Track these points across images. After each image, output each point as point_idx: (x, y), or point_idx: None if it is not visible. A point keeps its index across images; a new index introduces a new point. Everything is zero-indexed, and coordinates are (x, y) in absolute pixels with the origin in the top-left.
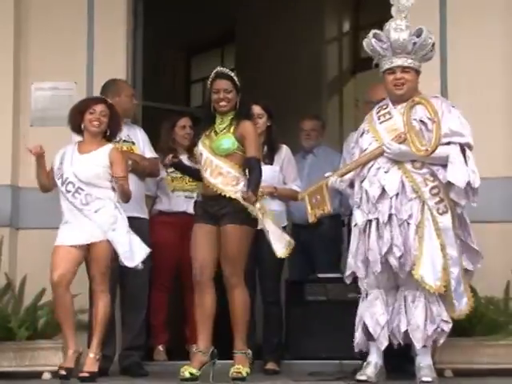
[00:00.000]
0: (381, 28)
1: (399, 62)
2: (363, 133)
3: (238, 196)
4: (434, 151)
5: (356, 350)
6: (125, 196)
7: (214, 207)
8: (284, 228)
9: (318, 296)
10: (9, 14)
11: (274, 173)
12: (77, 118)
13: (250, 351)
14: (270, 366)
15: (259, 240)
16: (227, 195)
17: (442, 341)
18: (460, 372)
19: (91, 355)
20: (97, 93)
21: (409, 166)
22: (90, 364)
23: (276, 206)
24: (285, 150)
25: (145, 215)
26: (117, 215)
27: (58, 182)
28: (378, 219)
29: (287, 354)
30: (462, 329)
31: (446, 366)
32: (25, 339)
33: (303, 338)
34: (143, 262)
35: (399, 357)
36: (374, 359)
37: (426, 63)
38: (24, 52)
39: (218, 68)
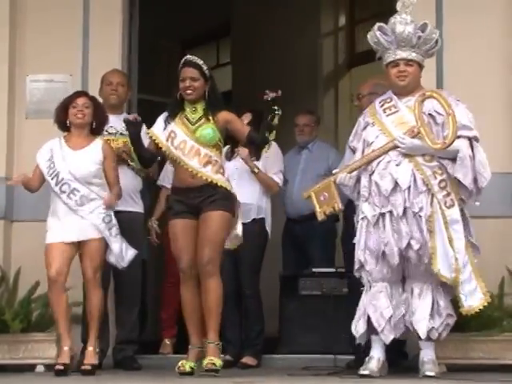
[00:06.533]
0: (376, 22)
1: (404, 54)
2: (367, 125)
3: (227, 184)
4: (451, 144)
5: (357, 342)
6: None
7: (197, 198)
8: (260, 220)
9: (312, 290)
10: (4, 6)
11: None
12: (62, 115)
13: (220, 343)
14: (245, 360)
15: None
16: (218, 183)
17: (445, 334)
18: (454, 367)
19: (90, 348)
20: (92, 85)
21: (420, 159)
22: (91, 357)
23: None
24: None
25: (139, 209)
26: (111, 214)
27: (52, 182)
28: (391, 212)
29: (281, 348)
30: (457, 324)
31: (440, 361)
32: (19, 332)
33: (297, 333)
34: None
35: (392, 351)
36: (377, 354)
37: None
38: (19, 44)
39: (187, 56)
